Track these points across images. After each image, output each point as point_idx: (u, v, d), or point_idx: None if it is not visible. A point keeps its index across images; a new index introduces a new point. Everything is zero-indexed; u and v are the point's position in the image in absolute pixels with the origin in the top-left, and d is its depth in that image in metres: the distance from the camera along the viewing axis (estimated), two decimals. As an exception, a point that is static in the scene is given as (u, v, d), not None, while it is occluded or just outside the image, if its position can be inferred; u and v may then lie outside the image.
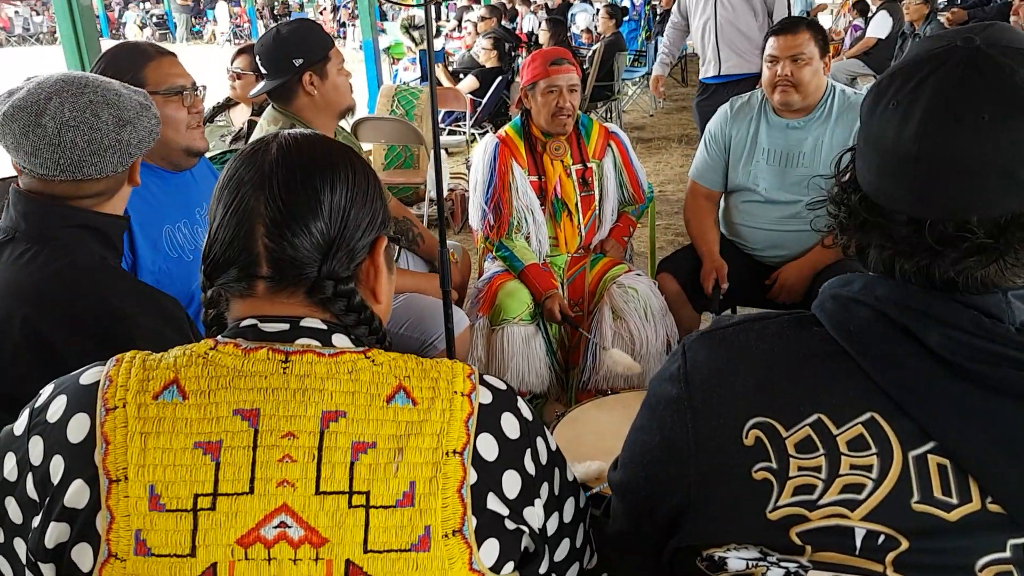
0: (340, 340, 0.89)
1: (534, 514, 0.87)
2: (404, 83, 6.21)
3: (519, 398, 0.92)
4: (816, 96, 2.69)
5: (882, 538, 0.78)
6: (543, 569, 0.90)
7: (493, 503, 0.83)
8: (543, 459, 0.90)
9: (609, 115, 8.66)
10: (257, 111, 3.72)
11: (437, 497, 0.79)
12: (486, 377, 0.90)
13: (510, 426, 0.88)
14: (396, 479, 0.79)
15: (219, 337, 0.88)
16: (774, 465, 0.82)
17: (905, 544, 0.77)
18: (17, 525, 0.83)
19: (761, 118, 2.79)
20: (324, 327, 0.89)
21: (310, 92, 2.42)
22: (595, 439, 2.00)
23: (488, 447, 0.84)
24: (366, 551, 0.77)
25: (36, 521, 0.80)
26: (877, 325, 0.81)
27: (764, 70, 2.71)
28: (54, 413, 0.84)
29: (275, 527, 0.77)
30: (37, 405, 0.87)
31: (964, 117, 0.76)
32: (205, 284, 0.93)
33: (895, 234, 0.81)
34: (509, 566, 0.85)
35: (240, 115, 3.79)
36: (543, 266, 2.84)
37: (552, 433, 2.07)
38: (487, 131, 7.58)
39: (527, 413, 0.91)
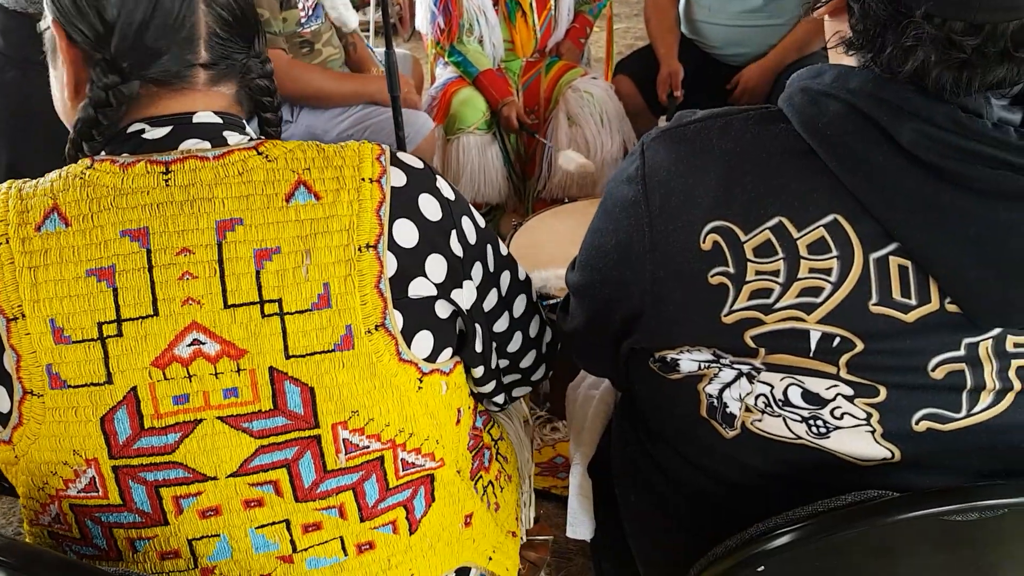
0: (232, 136, 0.82)
1: (462, 295, 0.85)
2: None
3: (439, 177, 0.86)
4: None
5: (837, 340, 0.77)
6: (478, 347, 0.89)
7: (417, 288, 0.80)
8: (471, 238, 0.87)
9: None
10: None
11: (355, 295, 0.76)
12: (400, 155, 0.83)
13: (430, 208, 0.82)
14: (308, 283, 0.75)
15: (96, 156, 0.80)
16: (731, 270, 0.79)
17: (860, 346, 0.77)
18: None
19: (724, -95, 2.60)
20: (218, 120, 0.82)
21: None
22: (553, 247, 2.00)
23: (406, 233, 0.80)
24: (288, 357, 0.75)
25: None
26: (848, 120, 0.76)
27: None
28: None
29: (189, 345, 0.75)
30: None
31: None
32: (102, 75, 0.80)
33: (922, 34, 0.73)
34: (446, 352, 0.84)
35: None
36: (498, 71, 2.72)
37: (509, 243, 2.07)
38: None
39: (448, 192, 0.86)
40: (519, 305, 0.98)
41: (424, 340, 0.81)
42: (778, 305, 0.78)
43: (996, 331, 0.76)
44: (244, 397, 0.76)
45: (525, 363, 1.04)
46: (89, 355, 0.73)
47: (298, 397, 0.77)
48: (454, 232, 0.84)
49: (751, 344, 0.80)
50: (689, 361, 0.86)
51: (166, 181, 0.76)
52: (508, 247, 1.98)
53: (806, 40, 2.60)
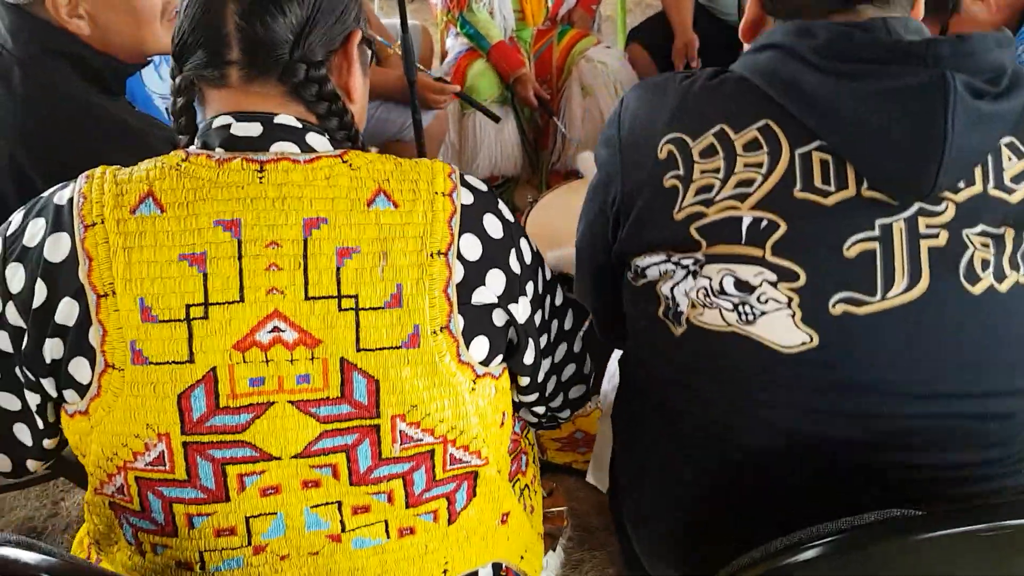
0: (314, 139, 0.88)
1: (518, 309, 0.91)
2: None
3: (499, 200, 0.93)
4: None
5: (764, 223, 0.88)
6: (528, 359, 0.95)
7: (480, 296, 0.86)
8: (527, 259, 0.93)
9: None
10: None
11: (424, 297, 0.81)
12: (467, 177, 0.91)
13: (493, 227, 0.89)
14: (383, 282, 0.81)
15: (190, 148, 0.87)
16: (681, 172, 0.93)
17: (784, 227, 0.87)
18: (8, 355, 0.85)
19: None
20: (298, 124, 0.88)
21: None
22: (568, 224, 2.00)
23: (471, 247, 0.86)
24: (358, 349, 0.80)
25: (27, 343, 0.82)
26: (777, 59, 0.91)
27: None
28: (32, 237, 0.83)
29: (269, 332, 0.79)
30: (9, 233, 0.85)
31: None
32: (174, 70, 0.90)
33: None
34: (498, 359, 0.90)
35: None
36: (509, 42, 2.69)
37: (525, 221, 2.08)
38: None
39: (508, 215, 0.93)
40: (564, 322, 1.05)
41: (481, 344, 0.87)
42: (718, 197, 0.91)
43: (909, 212, 0.85)
44: (315, 384, 0.81)
45: (570, 387, 1.10)
46: (174, 334, 0.78)
47: (364, 388, 0.82)
48: (513, 251, 0.90)
49: (696, 236, 0.92)
50: (652, 268, 0.98)
51: (260, 179, 0.82)
52: (524, 224, 2.01)
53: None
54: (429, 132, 2.41)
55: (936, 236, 0.85)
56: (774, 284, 0.88)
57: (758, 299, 0.89)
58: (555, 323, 1.02)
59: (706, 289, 0.92)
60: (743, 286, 0.90)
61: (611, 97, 2.65)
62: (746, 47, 1.00)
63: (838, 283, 0.86)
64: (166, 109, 1.87)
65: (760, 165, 0.89)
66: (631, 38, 2.77)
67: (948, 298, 0.85)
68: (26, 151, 1.22)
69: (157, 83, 1.87)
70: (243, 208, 0.81)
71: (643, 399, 1.08)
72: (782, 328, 0.88)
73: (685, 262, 0.94)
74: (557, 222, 2.05)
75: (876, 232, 0.86)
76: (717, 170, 0.91)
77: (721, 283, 0.91)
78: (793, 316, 0.88)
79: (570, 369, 1.07)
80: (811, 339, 0.87)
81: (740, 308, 0.91)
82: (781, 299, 0.88)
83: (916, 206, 0.85)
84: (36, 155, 1.22)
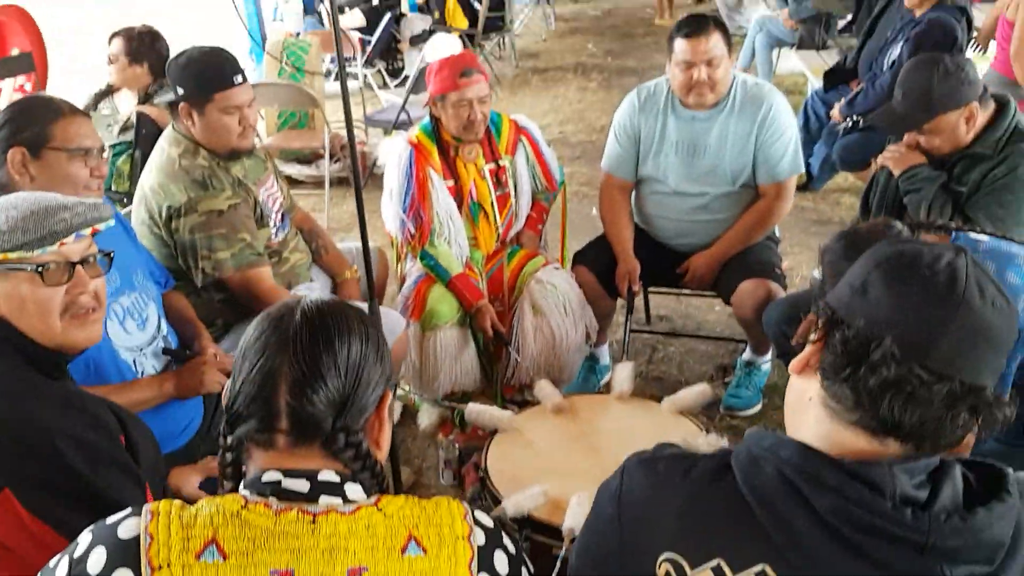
0: (352, 490, 1.02)
1: None
2: (294, 34, 5.91)
3: (503, 533, 1.08)
4: (725, 90, 2.75)
5: None
6: None
7: None
8: None
9: (502, 46, 8.51)
10: (143, 98, 3.51)
11: None
12: (477, 515, 1.06)
13: (501, 563, 1.05)
14: None
15: (247, 495, 1.00)
16: None
17: None
18: None
19: (668, 110, 2.83)
20: (338, 479, 1.02)
21: (186, 123, 2.40)
22: (529, 459, 2.08)
23: None
24: None
25: None
26: (777, 485, 0.95)
27: (676, 72, 2.72)
28: (94, 565, 0.93)
29: None
30: (76, 555, 0.96)
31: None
32: (226, 431, 1.05)
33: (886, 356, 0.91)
34: None
35: (125, 101, 3.57)
36: (467, 269, 2.85)
37: (485, 458, 2.14)
38: (379, 69, 7.35)
39: (512, 548, 1.08)
40: None
41: None
42: None
43: None
44: None
45: None
46: None
47: None
48: None
49: None
50: None
51: (312, 530, 0.97)
52: (485, 461, 2.08)
53: (749, 233, 2.82)
54: (393, 352, 2.51)
55: None
56: None
57: None
58: None
59: None
60: None
61: (561, 316, 2.80)
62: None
63: None
64: (133, 361, 1.95)
65: None
66: (576, 260, 2.96)
67: None
68: None
69: (123, 337, 1.95)
70: (296, 559, 0.94)
71: None
72: None
73: None
74: (517, 455, 2.13)
75: None
76: None
77: None
78: None
79: None
80: None
81: None
82: None
83: None
84: None
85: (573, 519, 1.72)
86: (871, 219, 2.50)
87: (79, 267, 1.41)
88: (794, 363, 1.03)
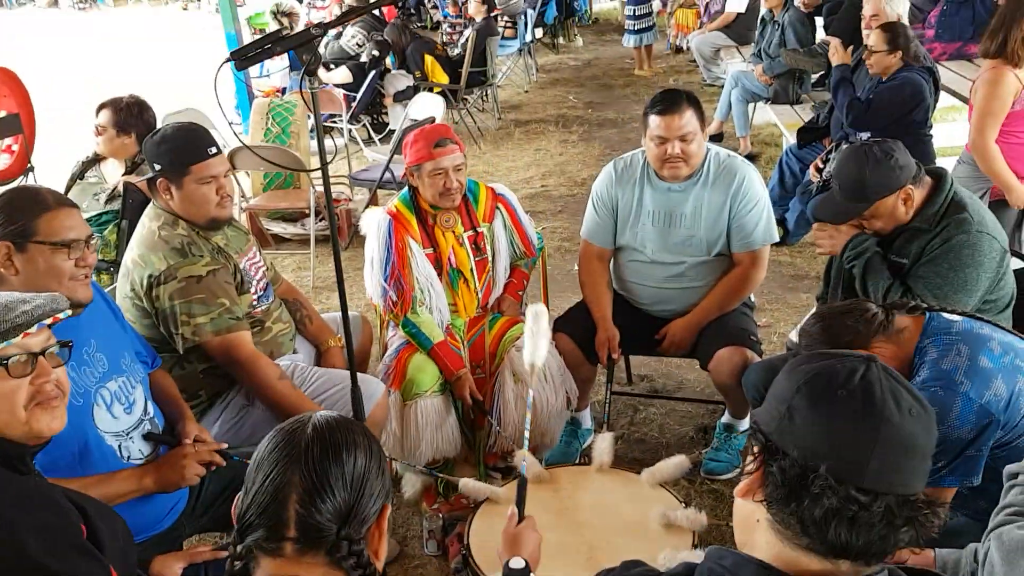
0: None
1: None
2: (280, 91, 6.01)
3: None
4: (699, 162, 2.83)
5: None
6: None
7: None
8: None
9: (484, 99, 8.66)
10: (130, 168, 3.57)
11: None
12: None
13: None
14: None
15: None
16: None
17: None
18: None
19: (644, 181, 2.92)
20: None
21: (165, 197, 2.46)
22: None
23: None
24: None
25: None
26: None
27: (651, 146, 2.80)
28: None
29: None
30: None
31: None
32: (236, 539, 1.11)
33: (826, 486, 0.98)
34: None
35: (112, 170, 3.63)
36: (445, 331, 2.90)
37: (469, 529, 2.17)
38: (364, 124, 7.46)
39: None
40: None
41: None
42: None
43: None
44: None
45: None
46: None
47: None
48: None
49: None
50: None
51: None
52: (467, 535, 2.11)
53: (724, 301, 2.88)
54: (372, 419, 2.54)
55: None
56: None
57: None
58: None
59: None
60: None
61: (541, 383, 2.84)
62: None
63: None
64: (118, 446, 1.97)
65: None
66: (557, 328, 3.00)
67: None
68: None
69: (109, 423, 1.97)
70: None
71: None
72: None
73: None
74: (500, 529, 2.15)
75: None
76: None
77: None
78: None
79: None
80: None
81: None
82: None
83: None
84: None
85: None
86: (831, 293, 2.59)
87: (41, 358, 1.47)
88: (738, 489, 1.09)
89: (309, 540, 1.08)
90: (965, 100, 4.20)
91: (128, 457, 2.00)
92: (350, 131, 6.89)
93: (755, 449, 1.07)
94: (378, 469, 1.16)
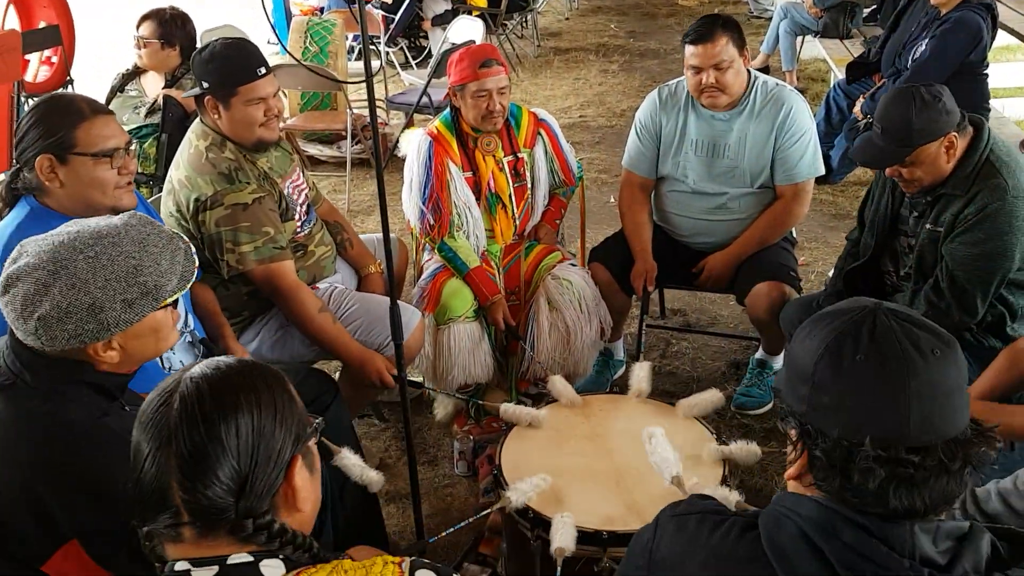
0: (268, 567, 1.00)
1: None
2: (318, 11, 5.92)
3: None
4: (740, 91, 2.76)
5: None
6: None
7: None
8: None
9: (524, 25, 8.48)
10: (170, 81, 3.56)
11: None
12: (417, 567, 1.02)
13: None
14: None
15: None
16: None
17: None
18: None
19: (689, 109, 2.85)
20: (251, 559, 1.00)
21: (212, 116, 2.43)
22: (540, 459, 2.13)
23: None
24: None
25: None
26: (797, 542, 0.99)
27: (688, 75, 2.74)
28: None
29: None
30: None
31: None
32: (137, 524, 1.03)
33: (872, 456, 0.95)
34: None
35: (152, 83, 3.62)
36: (481, 256, 2.90)
37: (500, 452, 2.20)
38: (401, 47, 7.35)
39: None
40: None
41: None
42: None
43: None
44: None
45: None
46: None
47: None
48: None
49: None
50: None
51: None
52: (499, 456, 2.14)
53: (765, 235, 2.84)
54: (407, 346, 2.56)
55: None
56: None
57: None
58: None
59: None
60: None
61: (576, 312, 2.83)
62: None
63: None
64: (161, 356, 2.01)
65: None
66: (593, 257, 2.99)
67: None
68: (37, 474, 1.33)
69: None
70: None
71: None
72: None
73: None
74: (532, 452, 2.18)
75: None
76: None
77: None
78: None
79: None
80: None
81: None
82: None
83: None
84: (51, 483, 1.33)
85: (561, 540, 1.76)
86: (863, 246, 2.52)
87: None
88: (788, 473, 1.08)
89: (206, 522, 1.00)
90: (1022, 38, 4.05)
91: (169, 368, 2.03)
92: (387, 54, 6.80)
93: (792, 434, 1.05)
94: (274, 422, 1.03)
